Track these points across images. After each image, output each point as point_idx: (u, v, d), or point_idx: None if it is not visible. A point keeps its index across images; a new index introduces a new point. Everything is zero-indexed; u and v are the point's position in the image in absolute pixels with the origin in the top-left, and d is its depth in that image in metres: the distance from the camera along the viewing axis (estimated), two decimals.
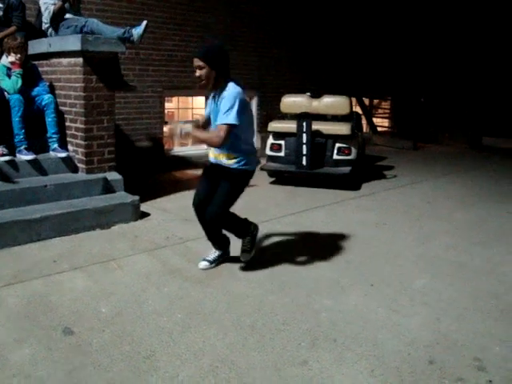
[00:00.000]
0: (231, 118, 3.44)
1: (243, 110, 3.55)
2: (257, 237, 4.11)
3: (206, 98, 3.74)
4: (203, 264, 3.98)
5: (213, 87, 3.62)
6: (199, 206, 3.86)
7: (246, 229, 3.98)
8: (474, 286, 3.77)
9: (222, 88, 3.57)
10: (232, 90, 3.54)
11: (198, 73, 3.56)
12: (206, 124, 3.86)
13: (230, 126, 3.45)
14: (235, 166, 3.68)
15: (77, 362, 2.62)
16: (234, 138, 3.55)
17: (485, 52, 11.80)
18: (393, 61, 12.12)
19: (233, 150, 3.64)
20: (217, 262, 4.04)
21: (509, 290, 3.74)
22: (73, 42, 4.95)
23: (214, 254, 4.06)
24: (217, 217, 3.73)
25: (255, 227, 4.08)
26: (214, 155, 3.79)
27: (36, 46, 5.49)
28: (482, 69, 11.88)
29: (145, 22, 5.25)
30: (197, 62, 3.54)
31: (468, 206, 6.17)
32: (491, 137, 12.04)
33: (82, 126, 5.15)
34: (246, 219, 4.01)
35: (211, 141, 3.53)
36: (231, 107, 3.46)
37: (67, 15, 5.40)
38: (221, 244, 4.05)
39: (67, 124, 5.35)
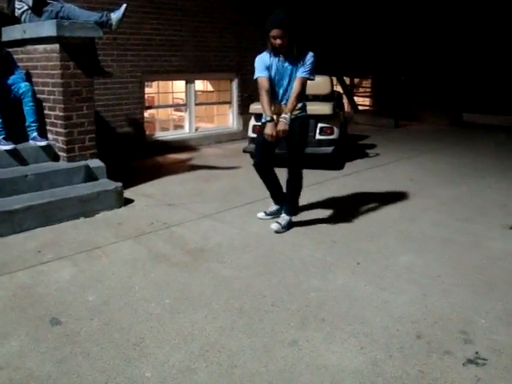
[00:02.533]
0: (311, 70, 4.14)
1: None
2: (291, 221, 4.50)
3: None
4: (260, 214, 4.74)
5: (289, 53, 4.09)
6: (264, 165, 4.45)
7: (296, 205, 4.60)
8: (459, 261, 3.82)
9: (299, 53, 4.09)
10: (310, 53, 4.13)
11: (278, 41, 4.00)
12: (267, 82, 4.22)
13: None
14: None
15: (66, 351, 2.61)
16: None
17: (463, 29, 11.82)
18: (373, 39, 12.09)
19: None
20: (272, 216, 4.65)
21: (493, 263, 3.79)
22: (48, 28, 4.85)
23: (272, 207, 4.72)
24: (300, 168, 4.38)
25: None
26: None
27: (10, 33, 5.36)
28: (461, 46, 11.90)
29: (124, 6, 5.13)
30: (276, 32, 3.97)
31: (450, 183, 6.22)
32: (472, 113, 12.12)
33: (62, 114, 5.07)
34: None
35: (299, 92, 4.11)
36: (312, 66, 4.11)
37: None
38: (280, 198, 4.64)
39: (46, 112, 5.26)
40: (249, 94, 8.33)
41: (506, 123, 11.51)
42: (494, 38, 11.73)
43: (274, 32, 3.98)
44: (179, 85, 8.95)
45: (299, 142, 4.32)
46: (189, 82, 8.75)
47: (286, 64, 4.13)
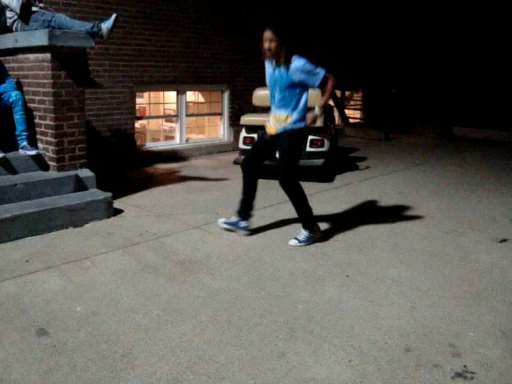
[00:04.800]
0: (320, 69, 4.08)
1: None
2: (314, 237, 4.42)
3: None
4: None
5: (278, 58, 4.05)
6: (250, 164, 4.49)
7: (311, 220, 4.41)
8: (447, 274, 3.83)
9: (287, 60, 4.00)
10: (300, 59, 4.03)
11: (266, 44, 3.99)
12: None
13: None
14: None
15: (52, 363, 2.58)
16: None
17: (453, 44, 11.94)
18: (364, 53, 12.19)
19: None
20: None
21: (481, 276, 3.81)
22: (40, 37, 4.85)
23: (232, 217, 4.60)
24: (289, 179, 4.28)
25: (318, 230, 4.47)
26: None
27: (1, 42, 5.35)
28: (451, 61, 12.02)
29: (114, 16, 5.16)
30: (267, 34, 3.97)
31: (440, 196, 6.25)
32: (461, 127, 12.22)
33: (52, 123, 5.06)
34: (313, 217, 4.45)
35: (333, 88, 4.20)
36: (313, 67, 4.06)
37: (33, 8, 5.27)
38: (245, 207, 4.53)
39: (36, 121, 5.25)
40: (240, 105, 8.37)
41: (495, 137, 11.63)
42: (484, 53, 11.86)
43: (264, 34, 4.01)
44: (170, 95, 8.97)
45: (288, 153, 4.23)
46: (180, 92, 8.77)
47: (277, 71, 4.11)
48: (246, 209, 4.56)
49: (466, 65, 12.05)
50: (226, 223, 4.63)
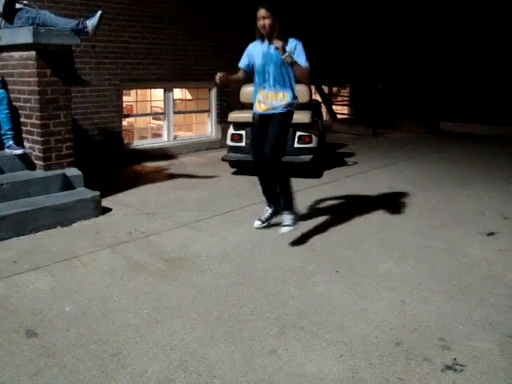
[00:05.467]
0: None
1: None
2: (298, 215, 4.52)
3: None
4: (257, 223, 4.59)
5: (271, 36, 4.11)
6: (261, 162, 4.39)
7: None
8: (436, 268, 3.85)
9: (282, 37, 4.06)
10: (297, 40, 4.15)
11: (261, 22, 4.09)
12: (241, 73, 4.42)
13: None
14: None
15: (41, 364, 2.56)
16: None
17: (440, 40, 12.00)
18: (351, 49, 12.21)
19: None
20: (268, 222, 4.60)
21: (469, 270, 3.83)
22: (24, 35, 4.80)
23: (266, 212, 4.62)
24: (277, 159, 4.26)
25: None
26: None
27: None
28: (438, 57, 12.08)
29: (99, 13, 5.10)
30: (262, 12, 4.07)
31: (428, 190, 6.28)
32: (449, 121, 12.29)
33: (38, 122, 5.01)
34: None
35: (308, 73, 4.18)
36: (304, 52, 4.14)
37: (17, 5, 5.21)
38: (275, 198, 4.50)
39: (22, 120, 5.20)
40: (227, 102, 8.33)
41: (481, 131, 11.70)
42: (470, 48, 11.93)
43: (259, 12, 4.08)
44: (157, 93, 8.92)
45: (280, 133, 4.24)
46: (167, 90, 8.73)
47: (272, 50, 4.14)
48: (274, 199, 4.56)
49: (452, 60, 12.11)
50: (263, 221, 4.64)
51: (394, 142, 10.82)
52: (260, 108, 4.31)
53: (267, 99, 4.25)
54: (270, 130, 4.24)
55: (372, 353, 2.69)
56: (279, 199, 4.46)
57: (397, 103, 12.58)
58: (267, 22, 4.07)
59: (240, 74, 4.42)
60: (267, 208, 4.62)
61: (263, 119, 4.31)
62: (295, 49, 4.09)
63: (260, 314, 3.09)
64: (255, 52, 4.29)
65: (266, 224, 4.60)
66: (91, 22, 5.06)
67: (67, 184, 5.12)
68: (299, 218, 4.48)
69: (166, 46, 8.38)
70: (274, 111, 4.23)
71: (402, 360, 2.63)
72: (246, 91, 7.40)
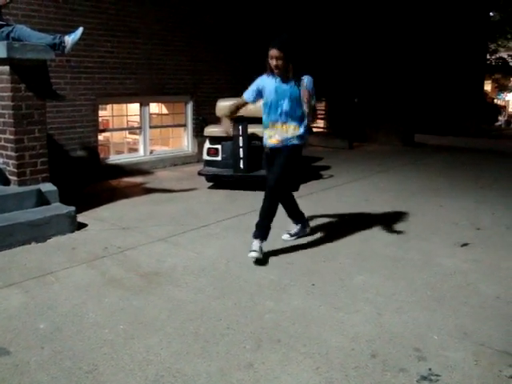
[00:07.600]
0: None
1: None
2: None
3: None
4: (285, 236, 4.81)
5: (284, 74, 4.24)
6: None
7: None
8: (410, 279, 3.90)
9: (295, 75, 4.25)
10: (308, 76, 4.32)
11: (274, 62, 4.17)
12: (243, 104, 4.64)
13: None
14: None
15: (14, 383, 2.52)
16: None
17: (414, 55, 12.21)
18: (326, 63, 12.34)
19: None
20: (297, 237, 4.81)
21: (443, 280, 3.89)
22: None
23: (295, 228, 4.85)
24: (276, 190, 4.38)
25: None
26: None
27: None
28: (413, 70, 12.28)
29: (81, 29, 5.03)
30: (274, 52, 4.14)
31: (403, 202, 6.36)
32: (423, 134, 12.49)
33: (12, 137, 4.96)
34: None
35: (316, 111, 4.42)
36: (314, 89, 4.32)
37: None
38: (298, 216, 4.84)
39: None
40: (203, 116, 8.34)
41: (455, 144, 11.92)
42: (444, 64, 12.16)
43: (271, 52, 4.16)
44: (133, 108, 8.90)
45: (287, 165, 4.32)
46: (143, 104, 8.71)
47: (284, 85, 4.27)
48: (298, 216, 4.85)
49: (426, 75, 12.33)
50: (291, 235, 4.85)
51: (370, 154, 10.94)
52: (271, 141, 4.39)
53: (279, 133, 4.33)
54: (278, 159, 4.34)
55: (348, 365, 2.71)
56: (301, 215, 4.85)
57: (372, 116, 12.75)
58: (280, 62, 4.15)
59: (242, 103, 4.63)
60: (294, 225, 4.88)
61: (273, 152, 4.41)
62: (308, 87, 4.23)
63: (236, 328, 3.09)
64: (267, 88, 4.36)
65: (293, 238, 4.81)
66: (71, 38, 5.01)
67: (42, 199, 5.07)
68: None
69: (142, 60, 8.38)
70: (285, 144, 4.32)
71: (378, 371, 2.65)
72: (222, 105, 7.42)
